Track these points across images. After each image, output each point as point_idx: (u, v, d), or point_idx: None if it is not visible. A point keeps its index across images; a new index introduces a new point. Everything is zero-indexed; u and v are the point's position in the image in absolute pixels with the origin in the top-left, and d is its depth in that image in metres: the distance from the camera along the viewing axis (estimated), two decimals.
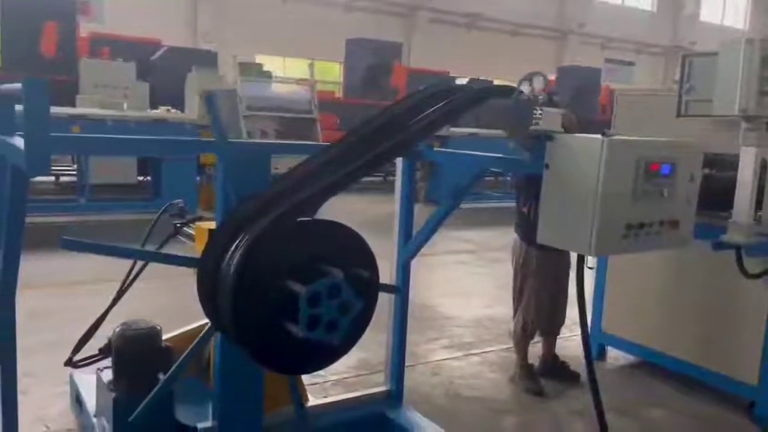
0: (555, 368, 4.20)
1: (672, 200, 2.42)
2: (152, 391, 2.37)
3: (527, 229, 3.77)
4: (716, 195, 3.04)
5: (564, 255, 3.93)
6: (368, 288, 2.06)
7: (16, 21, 10.65)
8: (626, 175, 2.29)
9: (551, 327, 4.13)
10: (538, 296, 3.98)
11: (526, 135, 2.44)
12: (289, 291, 1.87)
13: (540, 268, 3.93)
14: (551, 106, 2.48)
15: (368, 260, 2.09)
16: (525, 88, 2.51)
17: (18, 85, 2.13)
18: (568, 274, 4.03)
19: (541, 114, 2.41)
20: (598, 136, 2.28)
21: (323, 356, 2.04)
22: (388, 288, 3.07)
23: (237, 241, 1.96)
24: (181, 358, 2.36)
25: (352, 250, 2.06)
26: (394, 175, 12.02)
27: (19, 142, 2.01)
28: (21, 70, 7.83)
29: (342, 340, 1.94)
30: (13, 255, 2.15)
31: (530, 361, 4.13)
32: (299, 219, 2.05)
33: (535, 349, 4.25)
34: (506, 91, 2.49)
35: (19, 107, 2.14)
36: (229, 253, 1.95)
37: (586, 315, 2.59)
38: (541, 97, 2.48)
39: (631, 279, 4.32)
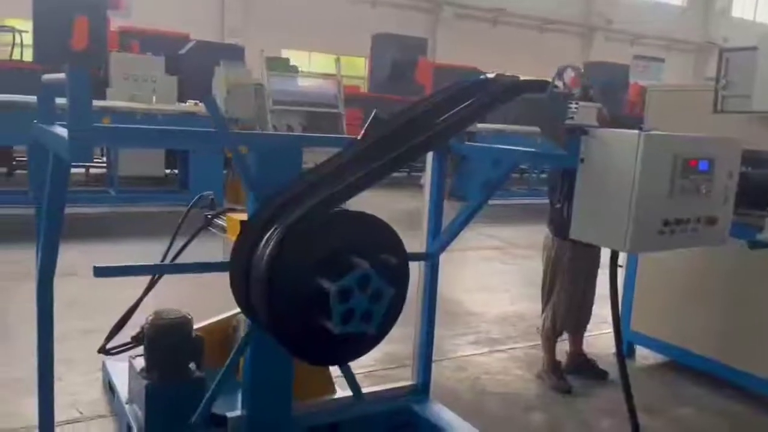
0: (583, 366, 4.17)
1: (709, 197, 2.39)
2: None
3: (560, 224, 3.74)
4: (753, 193, 2.99)
5: (595, 251, 3.89)
6: (398, 272, 2.05)
7: (47, 16, 10.82)
8: (663, 170, 2.27)
9: (578, 324, 4.10)
10: (569, 293, 3.94)
11: (561, 129, 2.42)
12: (319, 287, 1.88)
13: (572, 265, 3.89)
14: (587, 100, 2.46)
15: (395, 245, 2.08)
16: (558, 82, 2.49)
17: (57, 76, 2.17)
18: (597, 272, 3.99)
19: (576, 108, 2.39)
20: (635, 131, 2.25)
21: (361, 345, 2.05)
22: (418, 256, 3.07)
23: (269, 234, 1.97)
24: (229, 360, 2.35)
25: (377, 237, 2.05)
26: (418, 171, 11.94)
27: (60, 131, 2.05)
28: (53, 64, 7.94)
29: (378, 328, 1.95)
30: (52, 242, 2.20)
31: (557, 358, 4.10)
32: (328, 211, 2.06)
33: (561, 346, 4.21)
34: (540, 86, 2.47)
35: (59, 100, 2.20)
36: (261, 245, 1.96)
37: (618, 313, 2.56)
38: (576, 91, 2.46)
39: (660, 277, 4.26)
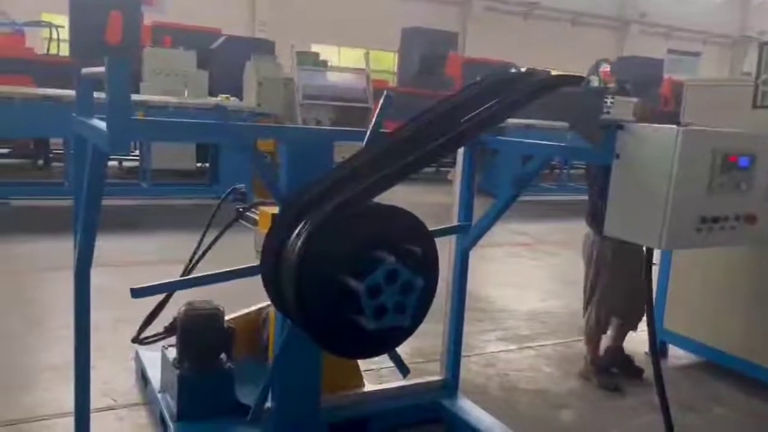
0: (620, 362, 4.11)
1: (750, 194, 2.33)
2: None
3: (601, 221, 3.67)
4: None
5: (639, 248, 3.81)
6: (425, 260, 2.03)
7: (83, 11, 11.05)
8: (702, 166, 2.22)
9: (629, 321, 4.02)
10: (613, 291, 3.88)
11: (596, 124, 2.38)
12: (370, 259, 1.86)
13: (615, 262, 3.82)
14: (623, 94, 2.41)
15: (420, 234, 2.07)
16: (593, 76, 2.45)
17: (96, 70, 2.21)
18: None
19: (611, 102, 2.35)
20: (673, 126, 2.20)
21: (392, 339, 2.04)
22: (450, 230, 3.05)
23: (299, 229, 1.97)
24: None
25: (403, 228, 2.03)
26: (446, 166, 11.85)
27: (99, 123, 2.09)
28: (88, 58, 8.09)
29: (412, 318, 1.94)
30: (89, 232, 2.24)
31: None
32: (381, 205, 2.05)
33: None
34: (576, 80, 2.43)
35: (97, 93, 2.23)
36: (291, 240, 1.96)
37: (653, 311, 2.52)
38: (611, 85, 2.42)
39: (695, 276, 4.18)
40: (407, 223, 2.04)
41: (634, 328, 4.07)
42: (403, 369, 2.57)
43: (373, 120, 2.26)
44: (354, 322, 1.88)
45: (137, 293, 2.15)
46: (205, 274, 2.44)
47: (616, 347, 4.13)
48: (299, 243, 1.91)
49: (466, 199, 3.20)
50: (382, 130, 2.24)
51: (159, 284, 2.29)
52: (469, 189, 3.21)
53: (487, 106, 2.16)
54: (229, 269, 2.33)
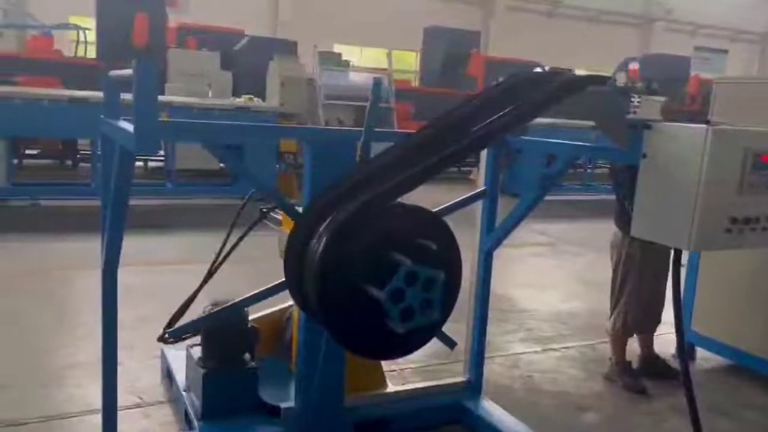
0: (656, 366, 4.07)
1: None
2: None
3: (629, 221, 3.62)
4: None
5: (667, 249, 3.76)
6: (443, 251, 2.01)
7: (109, 14, 11.21)
8: (732, 166, 2.17)
9: (651, 324, 3.98)
10: (640, 292, 3.83)
11: (623, 124, 2.35)
12: (389, 262, 1.86)
13: (643, 263, 3.77)
14: (650, 93, 2.38)
15: (433, 225, 2.05)
16: (620, 74, 2.41)
17: (124, 72, 2.24)
18: (668, 270, 3.86)
19: (638, 102, 2.32)
20: (702, 125, 2.16)
21: (424, 333, 2.03)
22: (473, 197, 3.05)
23: (321, 229, 1.97)
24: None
25: (413, 223, 2.02)
26: (468, 166, 11.78)
27: (126, 125, 2.11)
28: (114, 61, 8.21)
29: (441, 311, 1.94)
30: (116, 232, 2.27)
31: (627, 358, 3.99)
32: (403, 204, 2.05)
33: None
34: (601, 80, 2.40)
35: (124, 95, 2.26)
36: (314, 241, 1.97)
37: (681, 313, 2.47)
38: (639, 84, 2.38)
39: (723, 277, 4.10)
40: (418, 219, 2.03)
41: (653, 330, 4.02)
42: (450, 342, 2.61)
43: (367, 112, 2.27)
44: (384, 326, 1.87)
45: (166, 339, 2.18)
46: (243, 297, 2.52)
47: (649, 353, 4.09)
48: (322, 242, 1.92)
49: (490, 198, 3.18)
50: (407, 131, 2.24)
51: (191, 324, 2.46)
52: (494, 189, 3.19)
53: (512, 107, 2.14)
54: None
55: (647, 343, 4.10)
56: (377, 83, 2.37)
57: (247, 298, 2.45)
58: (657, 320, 3.98)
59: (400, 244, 1.91)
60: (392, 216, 2.00)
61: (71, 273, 5.50)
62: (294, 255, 2.02)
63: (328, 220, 1.97)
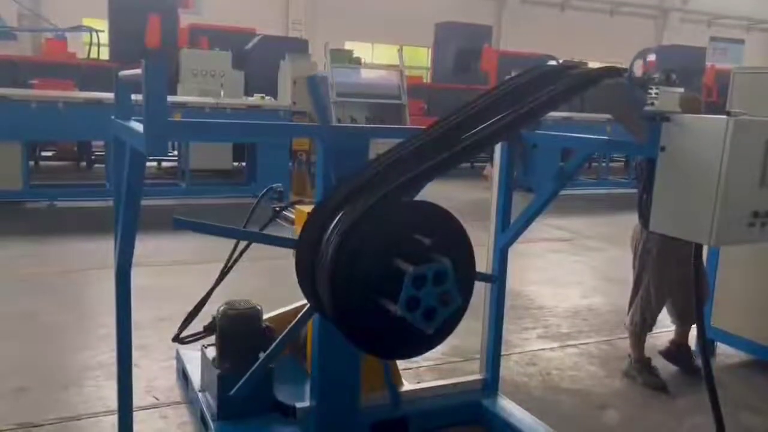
0: (680, 356, 4.02)
1: None
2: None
3: (647, 215, 3.57)
4: None
5: (687, 244, 3.70)
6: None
7: (122, 16, 11.29)
8: (754, 158, 2.12)
9: (686, 320, 3.93)
10: (657, 286, 3.77)
11: (640, 116, 2.30)
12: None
13: (660, 258, 3.71)
14: (669, 85, 2.33)
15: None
16: (638, 63, 2.36)
17: (133, 72, 2.23)
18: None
19: (656, 93, 2.27)
20: (722, 116, 2.11)
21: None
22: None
23: (335, 222, 1.95)
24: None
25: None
26: (481, 162, 11.67)
27: (136, 125, 2.11)
28: (127, 62, 8.25)
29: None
30: (129, 232, 2.27)
31: (647, 355, 3.93)
32: (404, 200, 2.02)
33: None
34: (618, 72, 2.35)
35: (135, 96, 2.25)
36: (328, 233, 1.95)
37: (702, 309, 2.43)
38: (656, 75, 2.33)
39: (743, 272, 4.03)
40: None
41: (690, 324, 3.95)
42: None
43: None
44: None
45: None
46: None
47: (681, 342, 4.04)
48: (334, 237, 1.90)
49: (504, 194, 3.14)
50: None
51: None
52: (508, 184, 3.15)
53: (528, 100, 2.10)
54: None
55: (682, 335, 4.05)
56: (312, 80, 2.33)
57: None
58: (691, 313, 3.89)
59: (400, 246, 1.89)
60: (390, 217, 1.96)
61: (90, 273, 5.54)
62: (306, 250, 2.01)
63: (342, 214, 1.95)
